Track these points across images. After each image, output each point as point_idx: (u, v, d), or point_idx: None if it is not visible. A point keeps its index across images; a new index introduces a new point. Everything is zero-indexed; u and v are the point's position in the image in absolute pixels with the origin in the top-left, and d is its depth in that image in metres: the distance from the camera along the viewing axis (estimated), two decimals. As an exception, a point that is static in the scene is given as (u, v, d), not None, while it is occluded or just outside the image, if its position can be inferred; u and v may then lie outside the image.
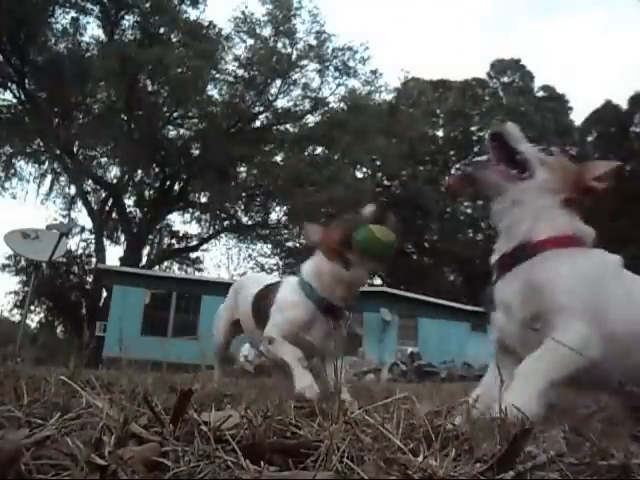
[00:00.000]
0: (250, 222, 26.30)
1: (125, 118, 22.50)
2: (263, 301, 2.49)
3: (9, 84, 21.50)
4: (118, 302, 15.34)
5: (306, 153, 25.26)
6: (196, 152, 23.87)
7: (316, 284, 2.30)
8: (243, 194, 25.38)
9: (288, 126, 25.24)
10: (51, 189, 23.90)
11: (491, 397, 1.40)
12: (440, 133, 32.19)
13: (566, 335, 1.33)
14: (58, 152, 22.22)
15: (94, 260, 23.41)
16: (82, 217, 24.95)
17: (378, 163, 27.94)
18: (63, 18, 21.71)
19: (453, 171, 1.76)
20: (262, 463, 0.70)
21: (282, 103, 24.64)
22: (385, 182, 30.30)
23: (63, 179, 24.19)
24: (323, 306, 2.27)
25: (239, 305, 2.86)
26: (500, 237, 1.64)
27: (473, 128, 31.15)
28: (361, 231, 2.13)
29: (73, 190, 24.27)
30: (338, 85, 24.51)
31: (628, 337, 1.45)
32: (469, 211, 31.61)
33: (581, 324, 1.37)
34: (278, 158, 25.29)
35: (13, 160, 22.86)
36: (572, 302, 1.40)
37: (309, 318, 2.27)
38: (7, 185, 22.84)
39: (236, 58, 23.62)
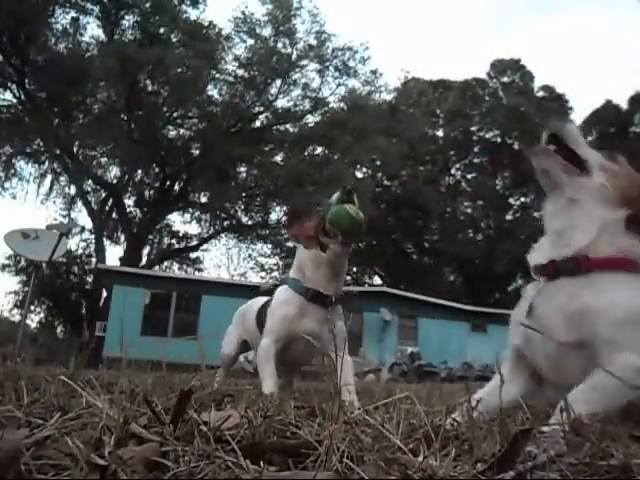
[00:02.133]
0: (250, 222, 26.30)
1: (125, 118, 22.49)
2: (263, 312, 2.59)
3: (9, 84, 21.50)
4: (118, 302, 15.33)
5: (306, 153, 25.25)
6: (196, 152, 23.86)
7: (300, 276, 2.37)
8: (243, 194, 25.38)
9: (288, 126, 25.24)
10: (51, 189, 23.92)
11: (494, 402, 1.38)
12: (440, 133, 32.19)
13: (615, 365, 1.24)
14: (58, 152, 22.22)
15: (94, 260, 23.40)
16: (82, 217, 24.96)
17: (378, 163, 27.93)
18: (63, 18, 21.73)
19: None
20: (262, 463, 0.70)
21: (282, 103, 24.66)
22: (385, 182, 30.29)
23: (63, 179, 24.22)
24: (311, 296, 2.31)
25: (246, 326, 3.00)
26: (548, 238, 1.51)
27: (473, 128, 31.15)
28: (331, 210, 2.27)
29: (73, 190, 24.29)
30: (338, 85, 24.54)
31: None
32: (469, 211, 31.62)
33: (631, 355, 1.27)
34: (278, 158, 25.30)
35: (13, 160, 22.87)
36: (624, 335, 1.29)
37: (298, 311, 2.30)
38: (7, 185, 22.86)
39: (236, 58, 23.64)
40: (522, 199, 30.60)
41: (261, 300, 2.93)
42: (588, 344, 1.30)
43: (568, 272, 1.39)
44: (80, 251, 25.25)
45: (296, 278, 2.39)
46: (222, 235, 26.91)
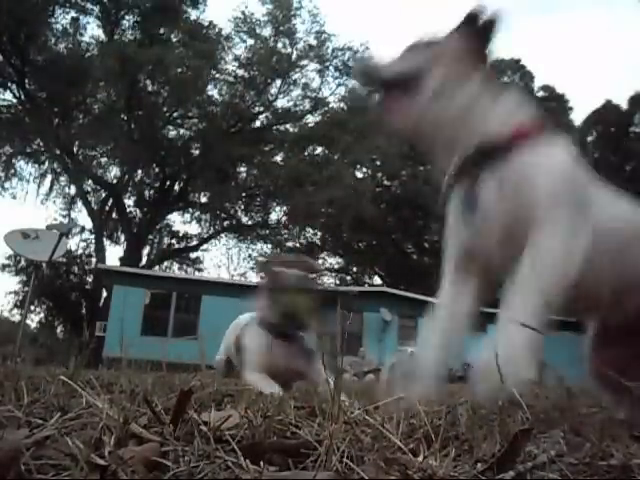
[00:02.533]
0: (250, 222, 26.31)
1: (125, 118, 22.50)
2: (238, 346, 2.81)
3: (9, 84, 21.51)
4: (118, 302, 15.33)
5: (306, 153, 25.26)
6: (196, 152, 23.88)
7: (264, 314, 2.63)
8: (243, 194, 25.38)
9: (288, 126, 25.25)
10: (51, 189, 23.93)
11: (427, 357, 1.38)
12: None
13: (555, 228, 1.24)
14: (58, 152, 22.23)
15: (94, 260, 23.41)
16: (82, 217, 24.97)
17: (378, 163, 27.93)
18: (63, 18, 21.76)
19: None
20: (262, 463, 0.70)
21: (282, 103, 24.67)
22: (385, 182, 30.28)
23: (63, 179, 24.23)
24: (275, 331, 2.53)
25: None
26: (446, 150, 1.43)
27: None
28: (283, 301, 2.50)
29: (73, 190, 24.30)
30: (338, 85, 24.55)
31: (613, 235, 1.36)
32: (469, 211, 31.58)
33: (568, 215, 1.26)
34: (278, 158, 25.30)
35: (13, 160, 22.88)
36: (559, 203, 1.27)
37: (265, 344, 2.51)
38: (7, 185, 22.88)
39: (236, 58, 23.66)
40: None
41: (235, 326, 3.14)
42: (527, 215, 1.28)
43: (487, 161, 1.34)
44: (80, 251, 25.28)
45: (261, 315, 2.66)
46: (222, 235, 26.93)
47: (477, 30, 1.40)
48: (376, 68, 1.44)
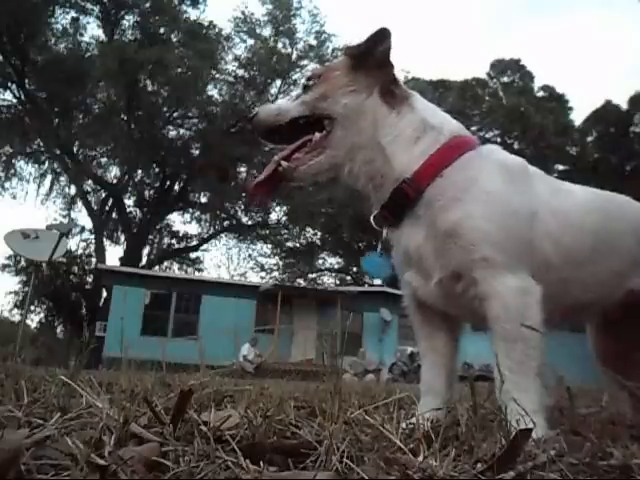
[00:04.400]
0: (250, 222, 26.31)
1: (125, 118, 22.49)
2: None
3: (9, 84, 21.50)
4: (118, 302, 15.33)
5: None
6: (196, 152, 23.88)
7: None
8: (243, 194, 25.38)
9: (249, 194, 25.21)
10: (51, 189, 23.93)
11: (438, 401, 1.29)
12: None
13: (496, 298, 1.12)
14: (58, 152, 22.23)
15: (94, 260, 23.41)
16: (82, 217, 24.98)
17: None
18: (63, 18, 21.76)
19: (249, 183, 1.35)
20: (262, 463, 0.70)
21: (282, 103, 24.65)
22: (385, 182, 30.26)
23: (63, 179, 24.22)
24: None
25: None
26: (370, 194, 1.31)
27: (473, 128, 31.15)
28: None
29: (73, 190, 24.30)
30: (338, 85, 24.53)
31: (568, 260, 1.27)
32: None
33: (508, 277, 1.13)
34: (278, 158, 25.27)
35: (13, 160, 22.88)
36: (492, 249, 1.13)
37: None
38: (7, 185, 22.88)
39: (236, 58, 23.66)
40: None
41: None
42: (463, 273, 1.16)
43: (403, 208, 1.22)
44: (80, 251, 25.26)
45: None
46: (222, 235, 26.93)
47: (368, 54, 1.28)
48: (269, 117, 1.31)
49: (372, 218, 1.31)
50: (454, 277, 1.18)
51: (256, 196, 1.35)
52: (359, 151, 1.26)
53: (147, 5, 22.01)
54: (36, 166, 23.60)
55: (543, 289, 1.15)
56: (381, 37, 1.27)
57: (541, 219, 1.23)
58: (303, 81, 1.40)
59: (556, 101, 30.39)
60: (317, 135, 1.26)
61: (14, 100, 22.03)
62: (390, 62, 1.31)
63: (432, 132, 1.25)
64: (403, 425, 1.01)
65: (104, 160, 24.59)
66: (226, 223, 26.42)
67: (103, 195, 24.68)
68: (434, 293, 1.23)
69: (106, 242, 24.20)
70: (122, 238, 24.83)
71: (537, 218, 1.23)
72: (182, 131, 24.59)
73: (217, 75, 23.28)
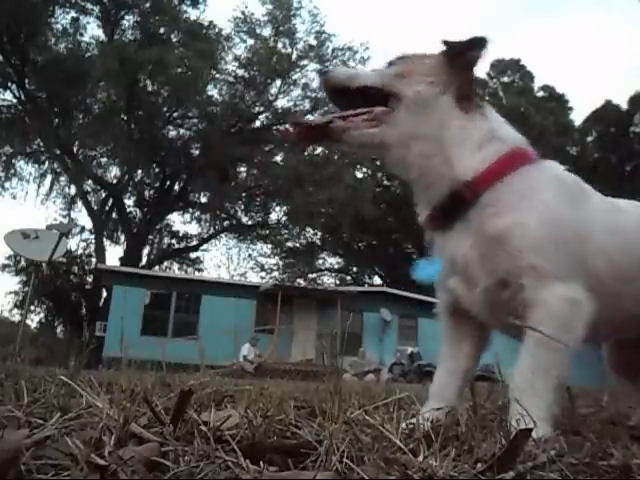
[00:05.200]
0: (250, 222, 26.32)
1: (125, 118, 22.49)
2: None
3: (9, 84, 21.50)
4: (118, 302, 15.33)
5: (306, 153, 25.26)
6: (196, 152, 23.88)
7: None
8: (243, 194, 25.39)
9: (288, 126, 25.23)
10: (51, 189, 23.93)
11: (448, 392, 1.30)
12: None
13: (545, 306, 1.10)
14: (58, 152, 22.23)
15: (94, 260, 23.40)
16: (82, 217, 24.98)
17: (378, 163, 27.92)
18: (63, 18, 21.76)
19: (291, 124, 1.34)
20: (262, 463, 0.70)
21: (282, 103, 24.68)
22: (385, 182, 30.29)
23: (63, 179, 24.22)
24: None
25: None
26: (418, 190, 1.32)
27: (473, 128, 31.12)
28: None
29: (73, 190, 24.30)
30: (338, 85, 24.53)
31: (619, 276, 1.25)
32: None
33: (559, 286, 1.12)
34: (278, 158, 25.31)
35: (13, 160, 22.88)
36: (544, 257, 1.12)
37: None
38: (7, 185, 22.89)
39: (236, 58, 23.66)
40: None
41: None
42: (510, 281, 1.14)
43: (457, 212, 1.20)
44: (80, 251, 25.27)
45: None
46: (222, 235, 26.93)
47: (461, 54, 1.28)
48: (340, 75, 1.31)
49: (423, 218, 1.30)
50: (501, 285, 1.16)
51: (296, 136, 1.29)
52: (417, 141, 1.24)
53: (147, 5, 22.01)
54: (36, 166, 23.60)
55: (595, 304, 1.12)
56: (478, 44, 1.27)
57: (594, 235, 1.23)
58: (390, 58, 1.37)
59: (556, 101, 30.40)
60: (380, 108, 1.24)
61: (14, 100, 22.05)
62: (474, 69, 1.31)
63: (497, 142, 1.24)
64: (403, 425, 1.01)
65: (104, 160, 24.60)
66: (226, 223, 26.43)
67: (103, 195, 24.69)
68: (479, 301, 1.22)
69: (106, 242, 24.22)
70: (122, 238, 24.85)
71: (590, 234, 1.23)
72: (182, 131, 24.60)
73: (217, 75, 23.28)
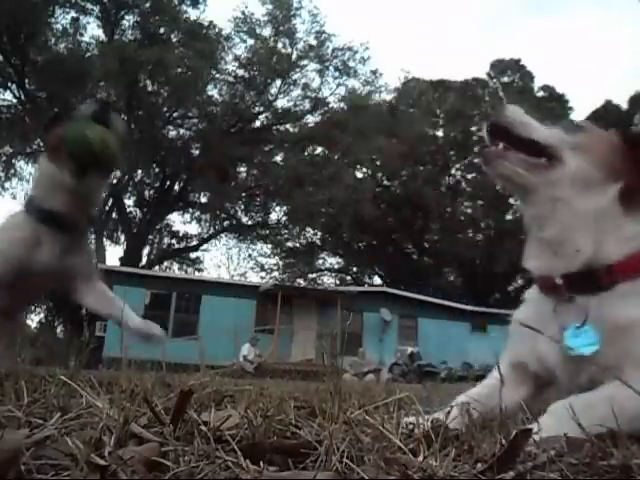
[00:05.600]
0: (250, 222, 26.33)
1: (125, 118, 22.48)
2: None
3: (9, 84, 21.51)
4: (118, 302, 15.33)
5: (306, 153, 25.27)
6: (196, 152, 23.88)
7: (38, 193, 1.91)
8: (243, 194, 25.39)
9: (288, 126, 25.25)
10: (51, 189, 23.91)
11: (492, 402, 1.27)
12: (440, 133, 32.21)
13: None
14: (58, 152, 22.22)
15: (94, 260, 23.36)
16: (82, 217, 24.86)
17: (378, 163, 27.94)
18: (63, 18, 21.76)
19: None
20: (262, 463, 0.69)
21: (282, 103, 24.69)
22: (385, 182, 30.30)
23: (63, 179, 24.20)
24: (48, 219, 1.85)
25: None
26: (541, 245, 1.26)
27: (473, 128, 31.15)
28: (72, 130, 1.76)
29: (73, 190, 24.27)
30: (338, 85, 24.57)
31: None
32: (469, 211, 31.62)
33: None
34: (278, 158, 25.32)
35: (13, 160, 22.88)
36: None
37: (28, 235, 1.83)
38: (7, 185, 22.89)
39: (236, 58, 23.67)
40: (522, 199, 30.57)
41: None
42: (618, 365, 1.09)
43: (588, 289, 1.15)
44: (80, 251, 25.22)
45: (33, 195, 1.93)
46: (222, 235, 26.94)
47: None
48: (515, 120, 1.27)
49: (538, 275, 1.25)
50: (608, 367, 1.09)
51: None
52: (565, 208, 1.19)
53: (147, 5, 22.01)
54: (36, 166, 23.60)
55: None
56: None
57: None
58: (575, 122, 1.36)
59: (556, 101, 30.41)
60: (543, 160, 1.23)
61: (14, 100, 22.06)
62: None
63: (634, 230, 1.18)
64: (403, 425, 1.01)
65: (104, 160, 24.57)
66: (226, 223, 26.44)
67: (103, 195, 24.68)
68: (578, 384, 1.16)
69: (106, 242, 24.22)
70: (122, 238, 24.86)
71: None
72: (182, 131, 24.61)
73: (217, 75, 23.29)
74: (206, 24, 22.91)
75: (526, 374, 1.33)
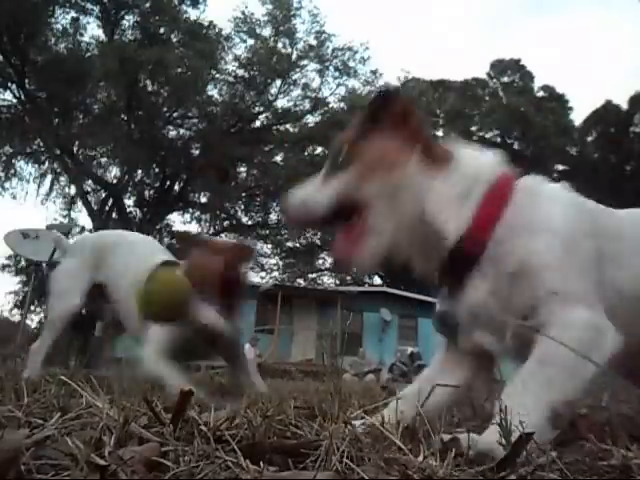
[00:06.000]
0: (250, 222, 26.32)
1: (125, 118, 22.49)
2: None
3: (9, 84, 21.49)
4: (118, 302, 15.31)
5: (306, 153, 25.25)
6: (196, 152, 23.87)
7: None
8: (243, 194, 25.38)
9: (288, 126, 25.24)
10: (51, 189, 23.91)
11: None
12: (440, 133, 32.23)
13: (564, 329, 1.00)
14: (58, 152, 22.21)
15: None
16: (82, 217, 24.95)
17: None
18: (63, 18, 21.71)
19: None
20: (262, 463, 0.70)
21: (282, 103, 24.66)
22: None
23: (63, 179, 24.19)
24: None
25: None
26: (419, 263, 1.23)
27: (473, 128, 31.17)
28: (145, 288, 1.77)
29: (73, 190, 24.27)
30: (338, 85, 24.53)
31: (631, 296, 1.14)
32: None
33: (579, 308, 1.03)
34: (278, 158, 25.29)
35: (13, 160, 22.87)
36: (562, 280, 1.06)
37: None
38: (7, 185, 22.85)
39: (236, 58, 23.63)
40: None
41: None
42: (532, 313, 1.06)
43: (464, 268, 1.14)
44: (80, 251, 25.20)
45: None
46: (222, 235, 26.92)
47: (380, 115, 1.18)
48: (294, 207, 1.24)
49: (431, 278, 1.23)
50: (525, 321, 1.09)
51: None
52: (403, 227, 1.16)
53: (147, 5, 21.99)
54: (36, 166, 23.55)
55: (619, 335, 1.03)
56: (387, 96, 1.21)
57: (604, 257, 1.15)
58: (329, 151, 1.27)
59: (556, 101, 30.41)
60: (353, 228, 1.18)
61: (14, 100, 22.02)
62: (410, 118, 1.19)
63: (476, 186, 1.16)
64: (403, 425, 1.00)
65: (104, 160, 24.57)
66: (226, 223, 26.43)
67: (103, 195, 24.67)
68: (511, 346, 1.14)
69: (106, 242, 24.16)
70: (122, 238, 24.81)
71: (601, 255, 1.14)
72: (182, 131, 24.57)
73: (217, 75, 23.26)
74: (206, 24, 22.88)
75: (459, 354, 1.29)
